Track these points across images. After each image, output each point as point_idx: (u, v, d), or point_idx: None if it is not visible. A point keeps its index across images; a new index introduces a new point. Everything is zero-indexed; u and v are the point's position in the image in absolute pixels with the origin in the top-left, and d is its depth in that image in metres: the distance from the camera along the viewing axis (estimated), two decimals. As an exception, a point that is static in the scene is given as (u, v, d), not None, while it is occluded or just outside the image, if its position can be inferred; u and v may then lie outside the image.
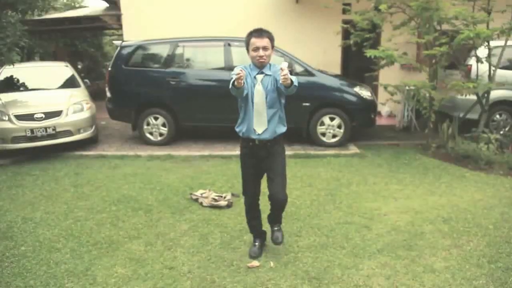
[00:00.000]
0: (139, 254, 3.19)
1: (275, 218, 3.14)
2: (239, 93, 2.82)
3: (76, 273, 2.93)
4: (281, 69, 2.66)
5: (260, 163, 3.02)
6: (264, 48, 2.83)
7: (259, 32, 2.86)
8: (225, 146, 6.68)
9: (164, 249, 3.26)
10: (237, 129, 3.08)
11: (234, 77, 2.67)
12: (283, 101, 3.00)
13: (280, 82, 2.68)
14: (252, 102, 2.90)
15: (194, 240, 3.41)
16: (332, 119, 6.49)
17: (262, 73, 2.90)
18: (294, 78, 2.76)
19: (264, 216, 3.24)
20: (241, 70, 2.66)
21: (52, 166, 5.61)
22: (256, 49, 2.83)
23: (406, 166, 5.52)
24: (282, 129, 3.02)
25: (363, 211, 3.96)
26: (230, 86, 2.78)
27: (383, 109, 9.22)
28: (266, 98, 2.89)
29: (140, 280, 2.84)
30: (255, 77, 2.90)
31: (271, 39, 2.89)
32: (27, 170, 5.44)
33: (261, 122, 2.92)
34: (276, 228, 3.13)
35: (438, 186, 4.70)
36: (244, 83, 2.73)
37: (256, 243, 3.22)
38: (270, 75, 2.89)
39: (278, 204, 3.03)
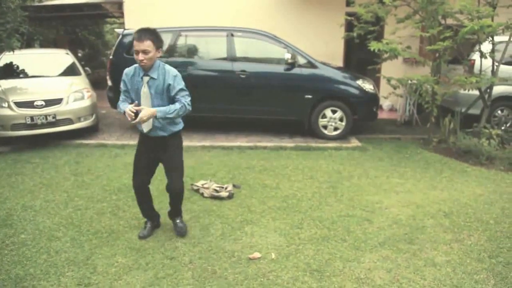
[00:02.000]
0: (140, 244, 3.19)
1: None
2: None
3: (76, 262, 2.92)
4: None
5: (154, 154, 3.12)
6: (144, 52, 2.78)
7: (139, 34, 2.79)
8: (227, 137, 6.65)
9: (165, 239, 3.25)
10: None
11: (130, 117, 2.81)
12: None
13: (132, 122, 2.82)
14: (139, 103, 2.91)
15: (195, 230, 3.40)
16: (334, 111, 6.46)
17: (147, 75, 2.89)
18: (167, 109, 2.87)
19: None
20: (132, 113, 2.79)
21: (52, 154, 5.58)
22: (136, 52, 2.81)
23: (407, 160, 5.51)
24: (176, 128, 3.12)
25: (364, 204, 3.95)
26: (121, 110, 2.97)
27: (385, 103, 9.19)
28: (152, 101, 2.91)
29: (141, 270, 2.83)
30: (141, 78, 2.90)
31: (155, 41, 2.81)
32: (27, 158, 5.41)
33: (147, 123, 2.95)
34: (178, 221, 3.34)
35: (439, 181, 4.70)
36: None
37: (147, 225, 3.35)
38: (155, 78, 2.89)
39: (173, 195, 3.21)
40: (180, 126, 3.17)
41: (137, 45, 2.78)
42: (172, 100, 2.97)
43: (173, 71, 2.96)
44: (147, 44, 2.78)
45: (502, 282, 2.72)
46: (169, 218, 3.44)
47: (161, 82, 2.91)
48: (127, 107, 2.85)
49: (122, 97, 3.08)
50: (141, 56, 2.79)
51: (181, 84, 2.97)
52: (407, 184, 4.56)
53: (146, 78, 2.90)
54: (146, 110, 2.81)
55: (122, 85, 3.04)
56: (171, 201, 3.29)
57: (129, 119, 2.84)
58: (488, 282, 2.72)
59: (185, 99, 2.97)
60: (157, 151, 3.11)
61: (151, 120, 2.93)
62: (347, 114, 6.44)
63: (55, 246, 3.14)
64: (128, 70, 3.00)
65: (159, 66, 2.93)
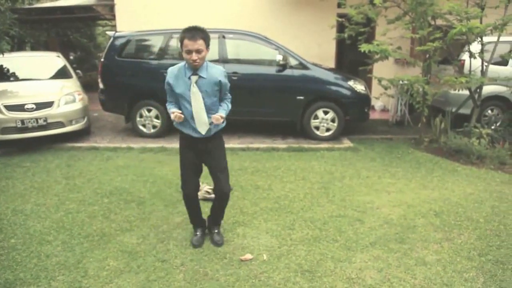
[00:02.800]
0: (132, 246, 3.18)
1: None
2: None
3: (67, 266, 2.91)
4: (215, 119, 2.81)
5: (200, 157, 3.07)
6: (197, 51, 2.72)
7: (192, 34, 2.71)
8: (219, 139, 6.64)
9: (157, 242, 3.25)
10: (175, 125, 3.07)
11: (173, 117, 2.82)
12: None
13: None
14: (190, 104, 2.87)
15: (187, 232, 3.40)
16: (326, 112, 6.49)
17: (196, 74, 2.83)
18: (223, 111, 2.93)
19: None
20: (178, 113, 2.81)
21: (44, 158, 5.55)
22: (189, 52, 2.72)
23: (399, 160, 5.55)
24: (220, 126, 3.05)
25: (356, 205, 3.97)
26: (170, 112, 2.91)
27: (377, 103, 9.24)
28: (203, 100, 2.86)
29: (133, 273, 2.82)
30: (189, 78, 2.84)
31: (206, 39, 2.76)
32: (18, 162, 5.38)
33: (203, 123, 2.91)
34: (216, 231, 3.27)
35: (430, 180, 4.73)
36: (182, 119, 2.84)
37: (198, 232, 3.28)
38: (205, 78, 2.83)
39: (223, 197, 3.12)
40: (224, 124, 3.09)
41: (190, 45, 2.70)
42: (220, 97, 2.95)
43: (220, 68, 2.93)
44: (200, 43, 2.71)
45: (491, 280, 2.75)
46: (207, 228, 3.33)
47: (210, 80, 2.85)
48: (174, 110, 2.86)
49: (170, 98, 3.00)
50: (194, 56, 2.71)
51: (228, 84, 2.97)
52: (398, 184, 4.59)
53: (194, 78, 2.82)
54: (217, 117, 2.82)
55: (166, 86, 2.93)
56: (218, 204, 3.19)
57: (176, 119, 2.82)
58: (478, 280, 2.75)
59: (229, 98, 3.06)
60: (202, 154, 3.04)
61: (206, 120, 2.89)
62: (339, 115, 6.47)
63: (46, 250, 3.12)
64: (173, 70, 2.90)
65: (206, 64, 2.88)
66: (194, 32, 2.71)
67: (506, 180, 4.75)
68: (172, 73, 2.89)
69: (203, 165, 3.16)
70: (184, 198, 3.17)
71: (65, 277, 2.78)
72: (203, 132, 2.92)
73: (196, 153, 3.04)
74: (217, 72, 2.88)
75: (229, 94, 3.08)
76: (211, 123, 2.91)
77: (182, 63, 2.89)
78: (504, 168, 5.18)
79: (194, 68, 2.81)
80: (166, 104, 3.03)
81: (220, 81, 2.87)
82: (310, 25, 9.25)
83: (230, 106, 3.06)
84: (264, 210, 3.83)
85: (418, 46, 6.02)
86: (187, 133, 2.98)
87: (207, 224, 3.33)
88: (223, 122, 2.96)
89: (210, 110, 2.90)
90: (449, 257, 3.04)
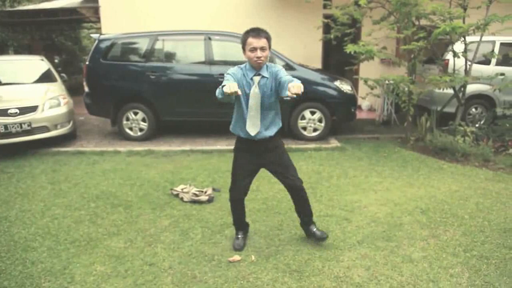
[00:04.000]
0: (119, 251, 3.15)
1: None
2: (226, 99, 2.72)
3: (53, 272, 2.87)
4: (291, 88, 2.51)
5: (259, 159, 3.01)
6: (262, 49, 2.73)
7: (256, 32, 2.75)
8: (206, 141, 6.64)
9: (145, 245, 3.23)
10: (231, 130, 3.06)
11: (227, 88, 2.51)
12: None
13: (287, 94, 2.54)
14: (247, 105, 2.85)
15: (174, 235, 3.38)
16: (313, 113, 6.52)
17: (259, 74, 2.82)
18: (296, 82, 2.62)
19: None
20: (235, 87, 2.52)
21: (28, 163, 5.47)
22: (254, 49, 2.73)
23: (385, 159, 5.60)
24: (276, 128, 3.00)
25: (343, 204, 4.00)
26: (219, 91, 2.69)
27: (363, 103, 9.32)
28: (263, 101, 2.83)
29: (120, 277, 2.80)
30: (251, 79, 2.82)
31: (269, 39, 2.79)
32: (1, 168, 5.29)
33: (254, 125, 2.87)
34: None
35: (416, 178, 4.79)
36: (239, 93, 2.59)
37: (239, 235, 3.23)
38: (267, 77, 2.82)
39: (299, 192, 3.09)
40: (280, 124, 3.04)
41: (255, 42, 2.71)
42: (278, 98, 2.90)
43: (278, 66, 2.88)
44: (264, 41, 2.74)
45: (476, 275, 2.79)
46: (303, 229, 3.30)
47: (271, 80, 2.83)
48: (233, 84, 2.56)
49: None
50: (259, 53, 2.72)
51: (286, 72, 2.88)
52: (385, 182, 4.64)
53: (257, 78, 2.80)
54: (298, 85, 2.52)
55: (230, 78, 2.77)
56: (300, 202, 3.14)
57: (230, 91, 2.51)
58: (463, 276, 2.79)
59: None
60: (262, 157, 3.00)
61: (258, 122, 2.86)
62: (325, 115, 6.51)
63: (31, 257, 3.08)
64: (234, 71, 2.84)
65: (266, 65, 2.85)
66: (258, 31, 2.76)
67: (490, 177, 4.83)
68: (235, 74, 2.83)
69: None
70: (231, 201, 3.15)
71: (51, 283, 2.74)
72: (253, 134, 2.89)
73: (256, 155, 3.00)
74: (278, 70, 2.84)
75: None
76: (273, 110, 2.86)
77: (241, 65, 2.88)
78: (488, 165, 5.27)
79: (257, 68, 2.80)
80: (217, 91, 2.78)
81: (281, 77, 2.78)
82: (296, 26, 9.29)
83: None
84: (252, 211, 3.83)
85: (403, 46, 6.09)
86: (245, 137, 2.94)
87: (302, 229, 3.31)
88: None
89: (268, 110, 2.89)
90: (435, 254, 3.07)
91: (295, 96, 2.50)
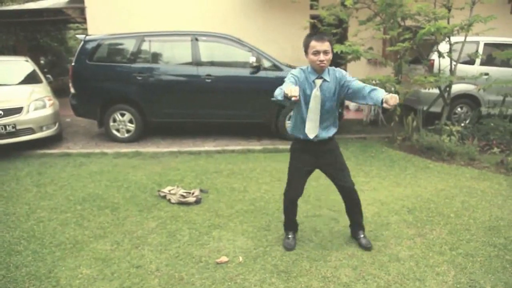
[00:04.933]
0: (105, 253, 3.12)
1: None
2: (284, 102, 2.69)
3: (38, 276, 2.82)
4: (389, 100, 2.63)
5: (316, 161, 3.03)
6: (325, 52, 2.75)
7: (320, 36, 2.78)
8: (194, 142, 6.62)
9: (131, 248, 3.20)
10: (290, 132, 3.09)
11: (289, 90, 2.50)
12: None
13: (386, 106, 2.67)
14: (307, 107, 2.87)
15: (162, 237, 3.36)
16: (300, 113, 6.53)
17: (321, 77, 2.84)
18: (380, 90, 2.77)
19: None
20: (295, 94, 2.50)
21: (13, 166, 5.38)
22: (317, 52, 2.76)
23: (372, 159, 5.64)
24: (334, 130, 3.04)
25: (331, 204, 4.01)
26: (279, 92, 2.69)
27: (351, 104, 9.38)
28: (323, 104, 2.85)
29: (106, 280, 2.77)
30: (313, 82, 2.84)
31: (331, 43, 2.82)
32: (-14, 170, 5.20)
33: (313, 128, 2.89)
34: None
35: (403, 178, 4.83)
36: (297, 100, 2.58)
37: (290, 235, 3.25)
38: (329, 81, 2.84)
39: (351, 195, 3.13)
40: (337, 126, 3.08)
41: (319, 46, 2.74)
42: (339, 102, 2.92)
43: (340, 70, 2.90)
44: (327, 45, 2.76)
45: (462, 273, 2.83)
46: (351, 231, 3.31)
47: (333, 84, 2.85)
48: (292, 87, 2.54)
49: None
50: (322, 57, 2.74)
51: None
52: (372, 182, 4.67)
53: (319, 81, 2.83)
54: (395, 97, 2.65)
55: (292, 79, 2.81)
56: (351, 204, 3.18)
57: (291, 94, 2.49)
58: (449, 274, 2.82)
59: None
60: (319, 158, 3.01)
61: (317, 125, 2.88)
62: (313, 116, 6.52)
63: (15, 261, 3.02)
64: (297, 73, 2.87)
65: (328, 69, 2.87)
66: (322, 35, 2.79)
67: (475, 176, 4.89)
68: (299, 73, 2.86)
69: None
70: (285, 202, 3.16)
71: (36, 287, 2.70)
72: (311, 136, 2.91)
73: (313, 156, 3.02)
74: (340, 74, 2.87)
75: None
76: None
77: (302, 67, 2.89)
78: (473, 164, 5.34)
79: (319, 71, 2.82)
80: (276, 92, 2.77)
81: (344, 81, 2.84)
82: (283, 26, 9.31)
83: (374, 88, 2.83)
84: (239, 212, 3.83)
85: (389, 47, 6.15)
86: (304, 138, 2.96)
87: (350, 231, 3.33)
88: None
89: (328, 113, 2.91)
90: (421, 253, 3.10)
91: (391, 107, 2.67)
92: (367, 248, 3.14)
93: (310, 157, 3.04)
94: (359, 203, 3.22)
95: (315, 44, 2.77)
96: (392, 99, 2.63)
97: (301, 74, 2.88)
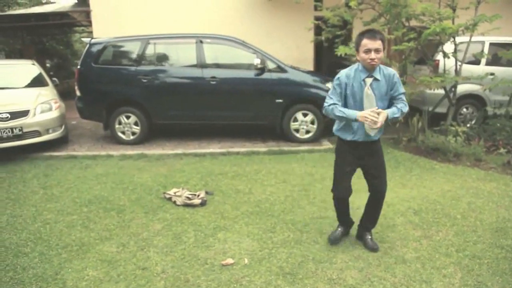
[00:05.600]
0: (111, 255, 3.13)
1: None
2: (343, 120, 2.85)
3: (45, 278, 2.84)
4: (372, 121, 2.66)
5: (360, 161, 3.03)
6: (376, 51, 2.71)
7: (372, 33, 2.73)
8: (199, 144, 6.63)
9: (137, 250, 3.21)
10: (335, 132, 3.08)
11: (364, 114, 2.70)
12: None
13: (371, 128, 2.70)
14: (356, 106, 2.85)
15: (167, 239, 3.37)
16: (305, 115, 6.54)
17: (371, 76, 2.81)
18: (392, 111, 2.79)
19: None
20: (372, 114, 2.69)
21: (20, 168, 5.42)
22: (368, 51, 2.71)
23: (378, 160, 5.62)
24: (381, 132, 3.02)
25: (336, 205, 4.00)
26: (336, 111, 2.81)
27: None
28: (376, 103, 2.82)
29: (112, 282, 2.78)
30: (364, 80, 2.81)
31: (383, 41, 2.76)
32: (-7, 173, 5.24)
33: (375, 129, 2.86)
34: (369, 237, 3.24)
35: (409, 179, 4.81)
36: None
37: (339, 228, 3.29)
38: (379, 80, 2.82)
39: (380, 197, 3.12)
40: (383, 130, 3.03)
41: (370, 44, 2.70)
42: (391, 102, 2.91)
43: (395, 72, 2.89)
44: (379, 43, 2.71)
45: (469, 275, 2.81)
46: (358, 235, 3.30)
47: (384, 83, 2.83)
48: (367, 111, 2.71)
49: (333, 101, 2.88)
50: (373, 55, 2.70)
51: (402, 87, 2.92)
52: (377, 183, 4.65)
53: (369, 80, 2.80)
54: (383, 114, 2.69)
55: (334, 92, 2.87)
56: (374, 206, 3.17)
57: (372, 125, 2.69)
58: (456, 276, 2.80)
59: (405, 101, 2.91)
60: (363, 158, 3.01)
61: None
62: (318, 117, 6.53)
63: (22, 263, 3.05)
64: (346, 71, 2.86)
65: (380, 67, 2.84)
66: (374, 32, 2.74)
67: (482, 177, 4.86)
68: (346, 74, 2.85)
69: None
70: (335, 200, 3.18)
71: (42, 289, 2.72)
72: (373, 134, 2.90)
73: (357, 157, 3.01)
74: (391, 74, 2.85)
75: (404, 97, 2.93)
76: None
77: (354, 66, 2.87)
78: (479, 165, 5.31)
79: (370, 69, 2.79)
80: (330, 107, 2.88)
81: (395, 82, 2.84)
82: (288, 28, 9.32)
83: (405, 109, 2.88)
84: (245, 214, 3.83)
85: (394, 46, 6.13)
86: (351, 139, 2.94)
87: (357, 230, 3.33)
88: (386, 120, 2.78)
89: None
90: (428, 254, 3.09)
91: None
92: (374, 249, 3.13)
93: (354, 158, 3.02)
94: (381, 208, 3.21)
95: (366, 42, 2.72)
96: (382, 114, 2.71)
97: (350, 73, 2.85)
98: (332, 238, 3.24)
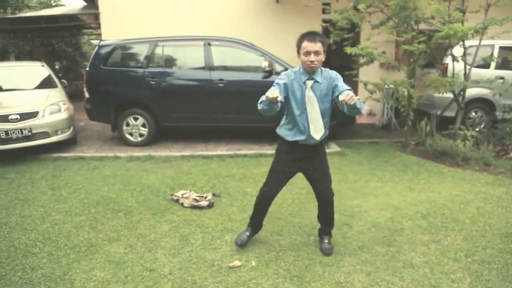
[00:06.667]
0: (119, 256, 3.14)
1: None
2: (269, 110, 2.69)
3: (53, 278, 2.86)
4: (345, 97, 2.54)
5: (300, 163, 3.01)
6: (316, 53, 2.72)
7: (312, 36, 2.74)
8: (206, 146, 6.65)
9: (145, 251, 3.22)
10: (277, 132, 3.05)
11: (271, 93, 2.54)
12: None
13: (342, 101, 2.56)
14: (298, 109, 2.84)
15: (175, 241, 3.38)
16: (312, 117, 6.51)
17: (312, 79, 2.81)
18: (359, 102, 2.66)
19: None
20: (277, 96, 2.53)
21: (29, 169, 5.47)
22: (308, 53, 2.72)
23: (385, 163, 5.60)
24: (326, 133, 2.98)
25: (343, 209, 3.99)
26: (263, 99, 2.67)
27: (363, 108, 9.31)
28: (318, 105, 2.81)
29: (120, 283, 2.79)
30: (304, 83, 2.82)
31: (324, 44, 2.76)
32: (2, 173, 5.29)
33: (318, 128, 2.86)
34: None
35: (417, 183, 4.78)
36: (279, 99, 2.57)
37: (248, 232, 3.27)
38: (320, 82, 2.82)
39: (326, 202, 3.13)
40: (327, 131, 2.98)
41: (310, 46, 2.71)
42: (333, 104, 2.88)
43: (335, 72, 2.88)
44: (319, 45, 2.72)
45: (478, 280, 2.78)
46: (318, 236, 3.31)
47: (325, 85, 2.82)
48: (276, 90, 2.60)
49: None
50: (313, 57, 2.71)
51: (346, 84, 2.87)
52: (385, 187, 4.63)
53: (309, 82, 2.80)
54: (351, 95, 2.55)
55: (276, 86, 2.77)
56: (325, 210, 3.17)
57: (272, 95, 2.53)
58: (464, 281, 2.78)
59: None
60: (304, 161, 2.98)
61: (322, 124, 2.85)
62: (326, 120, 6.49)
63: (31, 263, 3.07)
64: (288, 73, 2.87)
65: (321, 69, 2.85)
66: (314, 35, 2.75)
67: (491, 181, 4.82)
68: (288, 76, 2.86)
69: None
70: (258, 198, 3.14)
71: (50, 289, 2.74)
72: (318, 138, 2.88)
73: (298, 159, 2.99)
74: (332, 76, 2.84)
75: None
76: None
77: (295, 68, 2.88)
78: (488, 169, 5.26)
79: (310, 72, 2.80)
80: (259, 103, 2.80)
81: (336, 85, 2.82)
82: (296, 31, 9.21)
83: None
84: (252, 217, 3.82)
85: (403, 51, 6.10)
86: (293, 140, 2.93)
87: (319, 233, 3.32)
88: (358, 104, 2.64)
89: (322, 116, 2.86)
90: (436, 259, 3.06)
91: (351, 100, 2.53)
92: (326, 253, 3.12)
93: (294, 160, 2.99)
94: (333, 212, 3.21)
95: (306, 45, 2.73)
96: (347, 97, 2.54)
97: (291, 75, 2.85)
98: (239, 242, 3.18)
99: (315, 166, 3.03)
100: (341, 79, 2.88)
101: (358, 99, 2.63)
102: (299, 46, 2.79)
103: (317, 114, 2.83)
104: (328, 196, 3.12)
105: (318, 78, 2.82)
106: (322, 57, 2.76)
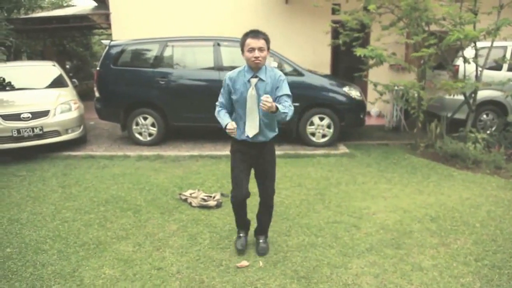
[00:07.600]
0: (127, 254, 3.16)
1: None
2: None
3: (63, 275, 2.89)
4: (264, 101, 2.59)
5: (252, 160, 3.02)
6: (260, 49, 2.76)
7: (255, 33, 2.81)
8: (215, 146, 6.66)
9: (153, 250, 3.24)
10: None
11: (230, 125, 2.83)
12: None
13: (261, 108, 2.63)
14: (243, 107, 2.87)
15: (183, 240, 3.39)
16: (321, 119, 6.51)
17: (256, 76, 2.84)
18: (281, 106, 2.71)
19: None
20: (233, 128, 2.83)
21: (40, 167, 5.53)
22: (252, 50, 2.77)
23: (395, 165, 5.56)
24: (272, 134, 3.01)
25: (352, 211, 3.97)
26: (219, 119, 2.94)
27: (373, 109, 9.28)
28: (259, 104, 2.81)
29: (128, 281, 2.81)
30: (249, 81, 2.85)
31: (267, 41, 2.83)
32: (14, 171, 5.36)
33: (253, 127, 2.89)
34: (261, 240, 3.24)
35: (426, 185, 4.74)
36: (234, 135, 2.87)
37: (241, 234, 3.28)
38: (264, 80, 2.84)
39: (267, 203, 3.14)
40: (276, 132, 3.06)
41: (253, 43, 2.76)
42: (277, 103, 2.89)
43: (281, 73, 2.92)
44: (262, 42, 2.78)
45: (488, 285, 2.75)
46: (254, 236, 3.31)
47: (270, 84, 2.85)
48: (229, 122, 2.85)
49: (220, 107, 3.01)
50: (257, 53, 2.76)
51: (288, 89, 2.89)
52: (394, 189, 4.60)
53: (254, 80, 2.83)
54: (268, 101, 2.59)
55: (223, 91, 2.97)
56: (263, 211, 3.19)
57: (232, 135, 2.86)
58: (474, 285, 2.75)
59: (289, 103, 2.84)
60: (253, 159, 3.02)
61: (258, 124, 2.88)
62: (334, 121, 6.49)
63: (42, 259, 3.11)
64: (231, 74, 2.93)
65: (266, 68, 2.89)
66: (257, 32, 2.82)
67: (502, 185, 4.76)
68: (229, 76, 2.93)
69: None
70: (232, 202, 3.14)
71: (60, 286, 2.77)
72: (251, 135, 2.90)
73: (248, 156, 3.01)
74: (277, 77, 2.88)
75: (289, 100, 2.86)
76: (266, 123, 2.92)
77: (240, 68, 2.93)
78: (499, 173, 5.20)
79: (255, 69, 2.83)
80: (217, 109, 3.03)
81: (278, 87, 2.86)
82: (305, 32, 9.30)
83: (290, 112, 2.80)
84: (260, 217, 3.82)
85: (413, 52, 6.06)
86: (240, 139, 2.96)
87: (255, 233, 3.32)
88: (276, 112, 2.70)
89: (264, 114, 2.87)
90: (445, 262, 3.03)
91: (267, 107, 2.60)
92: (260, 253, 3.12)
93: (246, 157, 3.01)
94: (271, 215, 3.23)
95: (250, 42, 2.78)
96: (264, 106, 2.60)
97: (236, 74, 2.90)
98: (240, 246, 3.18)
99: (260, 164, 3.05)
100: (285, 81, 2.89)
101: (285, 106, 2.76)
102: (242, 44, 2.85)
103: (255, 112, 2.85)
104: (271, 196, 3.14)
105: (263, 76, 2.85)
106: (266, 54, 2.81)
